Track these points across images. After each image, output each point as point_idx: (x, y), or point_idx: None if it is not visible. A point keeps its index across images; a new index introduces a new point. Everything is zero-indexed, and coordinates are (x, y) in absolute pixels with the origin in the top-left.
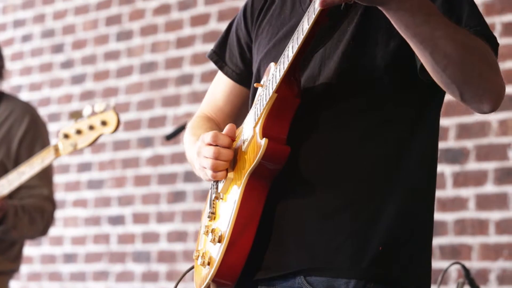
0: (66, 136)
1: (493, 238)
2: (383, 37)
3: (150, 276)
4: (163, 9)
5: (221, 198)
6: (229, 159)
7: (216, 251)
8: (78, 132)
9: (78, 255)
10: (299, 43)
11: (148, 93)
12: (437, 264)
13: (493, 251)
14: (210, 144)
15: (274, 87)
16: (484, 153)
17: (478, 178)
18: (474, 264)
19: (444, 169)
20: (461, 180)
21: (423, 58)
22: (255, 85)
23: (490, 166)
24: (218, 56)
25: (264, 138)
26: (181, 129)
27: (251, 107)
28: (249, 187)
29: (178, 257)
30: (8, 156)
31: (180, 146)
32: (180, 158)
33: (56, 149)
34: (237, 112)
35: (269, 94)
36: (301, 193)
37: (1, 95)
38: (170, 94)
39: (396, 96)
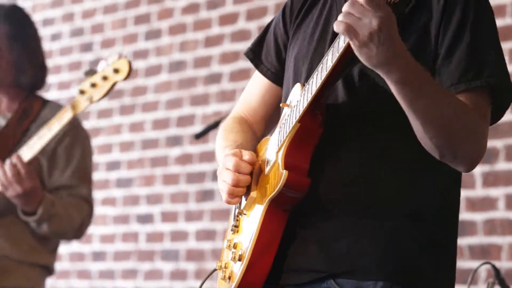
0: (82, 92)
1: None
2: None
3: (179, 275)
4: (191, 8)
5: (244, 214)
6: (246, 185)
7: (237, 268)
8: (93, 85)
9: (107, 253)
10: (323, 77)
11: (176, 92)
12: (467, 264)
13: None
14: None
15: (298, 116)
16: None
17: (508, 178)
18: (504, 264)
19: (474, 169)
20: (490, 180)
21: (413, 124)
22: (281, 105)
23: None
24: (255, 54)
25: (284, 170)
26: (210, 128)
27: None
28: (270, 212)
29: (207, 255)
30: (43, 151)
31: (209, 145)
32: (208, 157)
33: (73, 106)
34: (271, 113)
35: (292, 123)
36: (323, 203)
37: (46, 101)
38: (198, 93)
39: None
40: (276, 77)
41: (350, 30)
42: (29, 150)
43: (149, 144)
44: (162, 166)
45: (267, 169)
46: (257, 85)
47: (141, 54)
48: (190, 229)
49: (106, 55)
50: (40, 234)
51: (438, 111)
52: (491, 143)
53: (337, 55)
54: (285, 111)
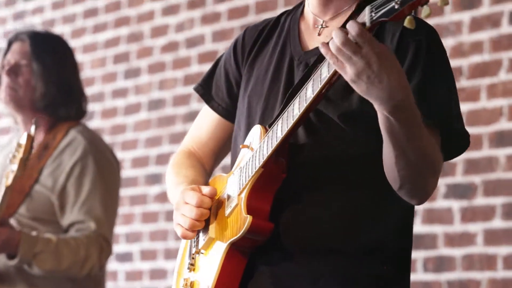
0: (10, 161)
1: (501, 273)
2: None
3: None
4: (171, 47)
5: (202, 253)
6: (205, 218)
7: None
8: (14, 157)
9: None
10: (289, 126)
11: (156, 130)
12: None
13: (502, 286)
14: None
15: (261, 161)
16: (492, 189)
17: (486, 213)
18: None
19: (452, 204)
20: (469, 215)
21: (386, 152)
22: (240, 146)
23: (498, 201)
24: (204, 90)
25: (248, 216)
26: None
27: (233, 146)
28: (230, 255)
29: None
30: (53, 190)
31: None
32: None
33: (7, 176)
34: (221, 147)
35: (255, 167)
36: (284, 243)
37: (71, 127)
38: (178, 131)
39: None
40: (227, 112)
41: (341, 67)
42: None
43: (128, 182)
44: (141, 204)
45: (227, 211)
46: (207, 120)
47: (120, 93)
48: (169, 267)
49: (87, 94)
50: (42, 276)
51: (416, 148)
52: (470, 179)
53: (304, 105)
54: (244, 152)
